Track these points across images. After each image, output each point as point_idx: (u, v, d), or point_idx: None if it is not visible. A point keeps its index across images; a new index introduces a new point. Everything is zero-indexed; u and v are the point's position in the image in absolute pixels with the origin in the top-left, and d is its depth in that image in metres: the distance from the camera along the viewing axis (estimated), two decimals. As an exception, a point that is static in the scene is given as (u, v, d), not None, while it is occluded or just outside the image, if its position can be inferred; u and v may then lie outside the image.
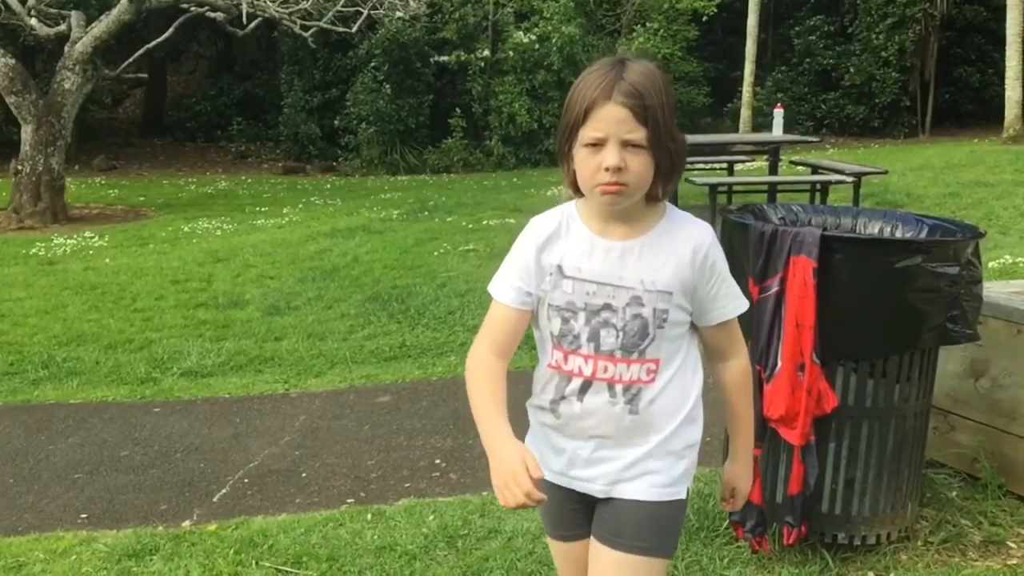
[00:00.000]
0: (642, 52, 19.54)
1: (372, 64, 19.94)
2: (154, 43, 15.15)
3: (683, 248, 1.81)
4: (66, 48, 13.59)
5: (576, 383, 1.85)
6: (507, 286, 1.87)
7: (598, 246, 1.81)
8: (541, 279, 1.84)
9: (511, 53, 19.51)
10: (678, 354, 1.86)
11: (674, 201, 10.95)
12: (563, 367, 1.86)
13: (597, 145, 1.69)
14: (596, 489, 1.89)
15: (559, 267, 1.82)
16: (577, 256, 1.82)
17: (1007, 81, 17.79)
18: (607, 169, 1.68)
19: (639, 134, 1.68)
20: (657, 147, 1.70)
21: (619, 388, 1.83)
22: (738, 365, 1.95)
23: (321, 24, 15.78)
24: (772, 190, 10.45)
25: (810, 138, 15.25)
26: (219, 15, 14.95)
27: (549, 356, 1.89)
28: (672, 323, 1.82)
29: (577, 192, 1.81)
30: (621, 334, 1.81)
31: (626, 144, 1.68)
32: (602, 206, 1.77)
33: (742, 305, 1.91)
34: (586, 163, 1.72)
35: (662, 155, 1.72)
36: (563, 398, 1.87)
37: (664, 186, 1.78)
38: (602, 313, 1.81)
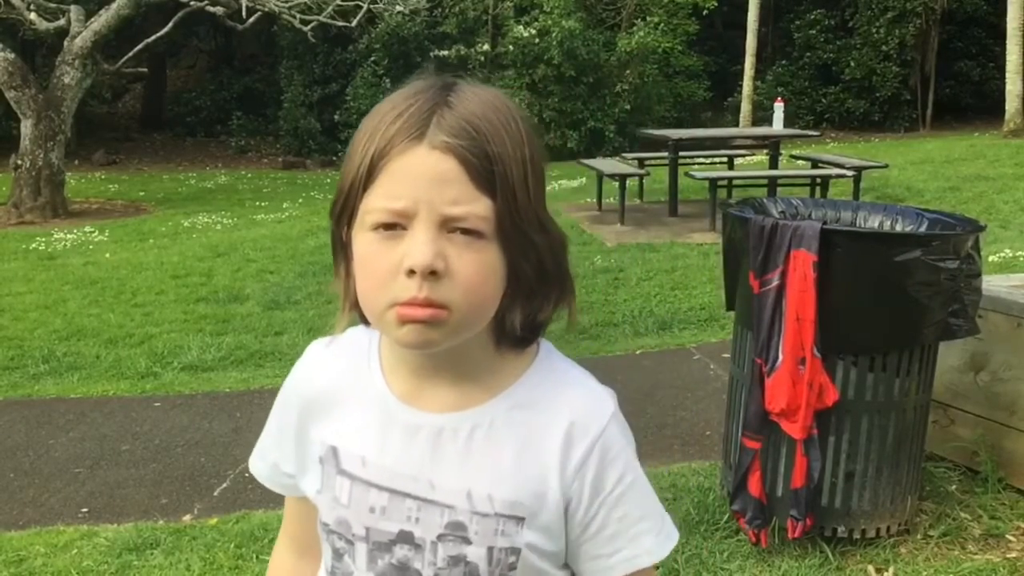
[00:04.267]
0: (633, 53, 19.53)
1: (372, 59, 19.94)
2: (153, 38, 15.13)
3: (552, 431, 0.99)
4: (65, 43, 13.57)
5: None
6: (258, 454, 1.14)
7: (397, 420, 1.00)
8: (306, 461, 1.07)
9: (511, 47, 19.48)
10: None
11: (672, 202, 11.04)
12: None
13: (394, 227, 0.90)
14: None
15: (333, 450, 1.03)
16: (360, 435, 1.02)
17: (1007, 75, 17.75)
18: (411, 272, 0.89)
19: (477, 207, 0.90)
20: (512, 236, 0.92)
21: None
22: None
23: (321, 18, 15.76)
24: (772, 184, 10.44)
25: (810, 132, 15.23)
26: (219, 10, 14.93)
27: None
28: (529, 572, 1.00)
29: (363, 316, 0.99)
30: None
31: (451, 225, 0.90)
32: (403, 346, 0.95)
33: (654, 551, 1.02)
34: (372, 260, 0.92)
35: (522, 252, 0.94)
36: None
37: (529, 315, 0.98)
38: (396, 550, 1.00)
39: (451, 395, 1.00)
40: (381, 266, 0.91)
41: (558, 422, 0.99)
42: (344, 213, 0.95)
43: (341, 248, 0.98)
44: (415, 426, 1.00)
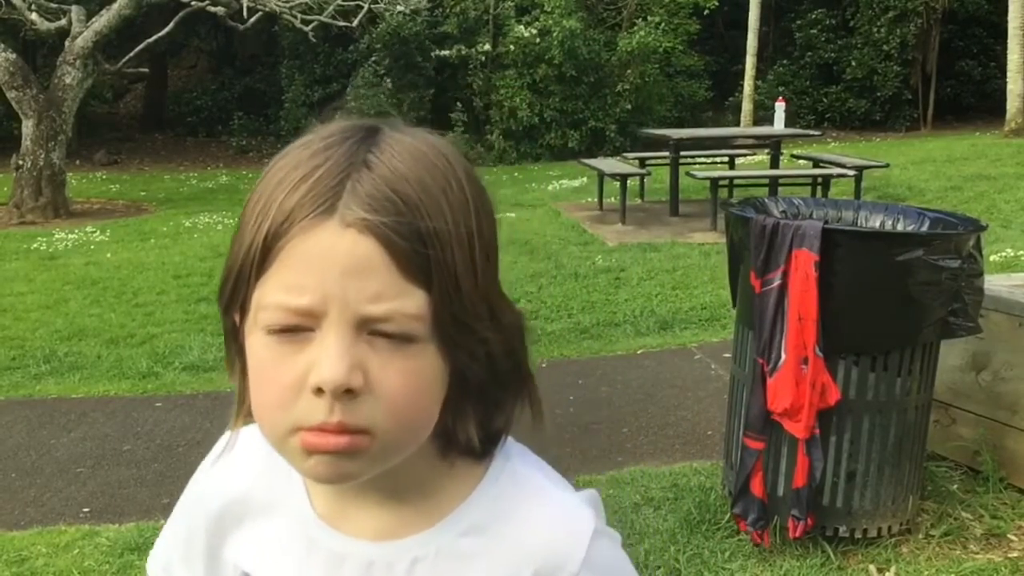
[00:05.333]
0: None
1: (373, 58, 19.93)
2: (155, 38, 15.13)
3: (515, 564, 0.78)
4: (67, 43, 13.58)
5: None
6: (161, 566, 0.93)
7: (319, 547, 0.81)
8: None
9: (512, 47, 19.48)
10: None
11: (673, 201, 11.15)
12: None
13: (296, 330, 0.70)
14: None
15: None
16: (276, 562, 0.83)
17: (1009, 74, 17.74)
18: (318, 391, 0.69)
19: (406, 304, 0.69)
20: (454, 335, 0.72)
21: None
22: None
23: (322, 18, 15.76)
24: (773, 184, 10.44)
25: (811, 132, 15.22)
26: (220, 10, 14.93)
27: None
28: None
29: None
30: None
31: (372, 327, 0.69)
32: (313, 480, 0.78)
33: None
34: (269, 371, 0.72)
35: (468, 352, 0.73)
36: None
37: (481, 422, 0.78)
38: None
39: (385, 518, 0.79)
40: (281, 379, 0.70)
41: (523, 552, 0.77)
42: (233, 303, 0.73)
43: (233, 339, 0.76)
44: (339, 556, 0.79)
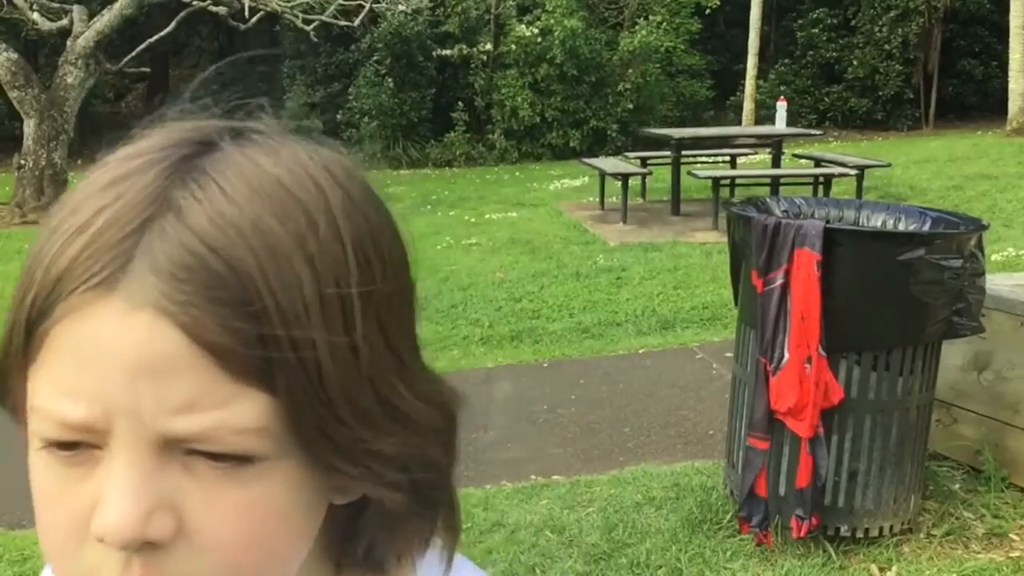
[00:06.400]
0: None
1: (374, 58, 19.94)
2: (156, 37, 15.14)
3: None
4: (68, 42, 13.59)
5: None
6: None
7: None
8: None
9: (513, 47, 19.48)
10: None
11: (675, 201, 11.19)
12: None
13: (77, 446, 0.47)
14: None
15: None
16: None
17: (1011, 73, 17.73)
18: (101, 541, 0.45)
19: (233, 414, 0.44)
20: (328, 456, 0.47)
21: None
22: None
23: (323, 18, 15.77)
24: (775, 183, 10.43)
25: (813, 131, 15.21)
26: (221, 9, 14.94)
27: None
28: None
29: None
30: None
31: (185, 446, 0.45)
32: None
33: None
34: (48, 498, 0.52)
35: (365, 475, 0.48)
36: None
37: (392, 546, 0.55)
38: None
39: None
40: (61, 515, 0.49)
41: None
42: (6, 399, 0.52)
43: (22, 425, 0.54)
44: None
